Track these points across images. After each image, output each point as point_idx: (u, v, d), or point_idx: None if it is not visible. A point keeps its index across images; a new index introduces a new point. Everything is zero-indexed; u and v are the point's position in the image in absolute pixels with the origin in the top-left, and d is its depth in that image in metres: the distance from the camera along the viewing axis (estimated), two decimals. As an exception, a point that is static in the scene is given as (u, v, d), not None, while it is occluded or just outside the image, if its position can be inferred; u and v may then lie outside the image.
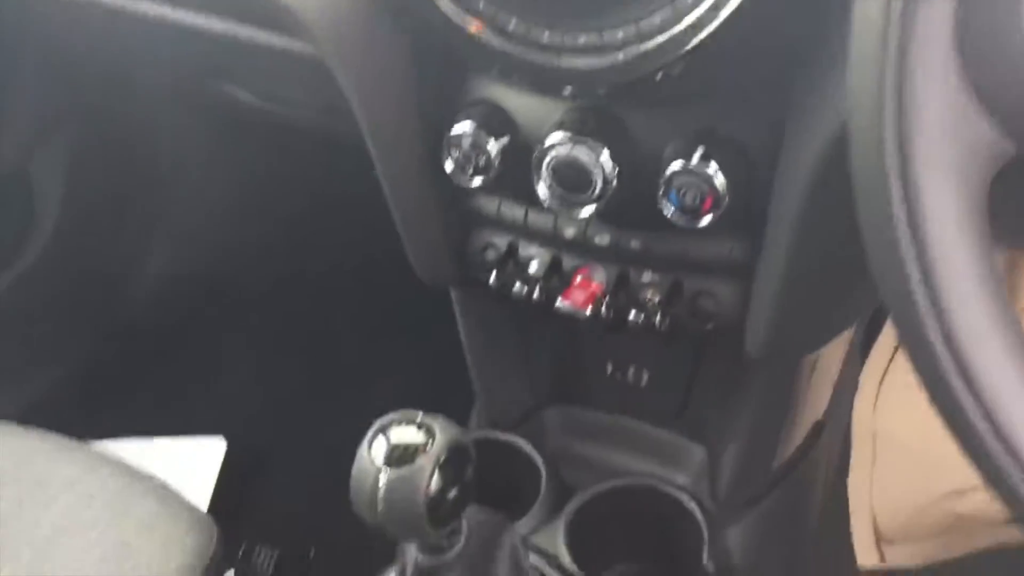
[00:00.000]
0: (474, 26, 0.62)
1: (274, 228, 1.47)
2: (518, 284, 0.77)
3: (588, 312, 0.74)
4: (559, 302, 0.74)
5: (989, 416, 0.38)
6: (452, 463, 0.56)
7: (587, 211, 0.67)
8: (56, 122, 1.28)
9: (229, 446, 1.33)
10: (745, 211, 0.65)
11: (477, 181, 0.70)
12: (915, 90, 0.38)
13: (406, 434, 0.56)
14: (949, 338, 0.38)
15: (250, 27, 0.82)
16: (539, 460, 0.96)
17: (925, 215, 0.38)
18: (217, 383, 1.45)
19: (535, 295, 0.76)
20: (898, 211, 0.38)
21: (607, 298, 0.74)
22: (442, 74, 0.71)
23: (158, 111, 1.34)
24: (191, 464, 1.31)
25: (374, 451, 0.56)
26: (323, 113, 0.89)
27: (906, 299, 0.39)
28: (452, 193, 0.76)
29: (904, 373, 1.22)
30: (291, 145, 1.24)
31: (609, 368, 0.99)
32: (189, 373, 1.47)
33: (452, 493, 0.56)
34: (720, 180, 0.62)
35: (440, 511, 0.56)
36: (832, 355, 0.99)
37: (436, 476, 0.55)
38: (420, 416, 0.57)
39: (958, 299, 0.38)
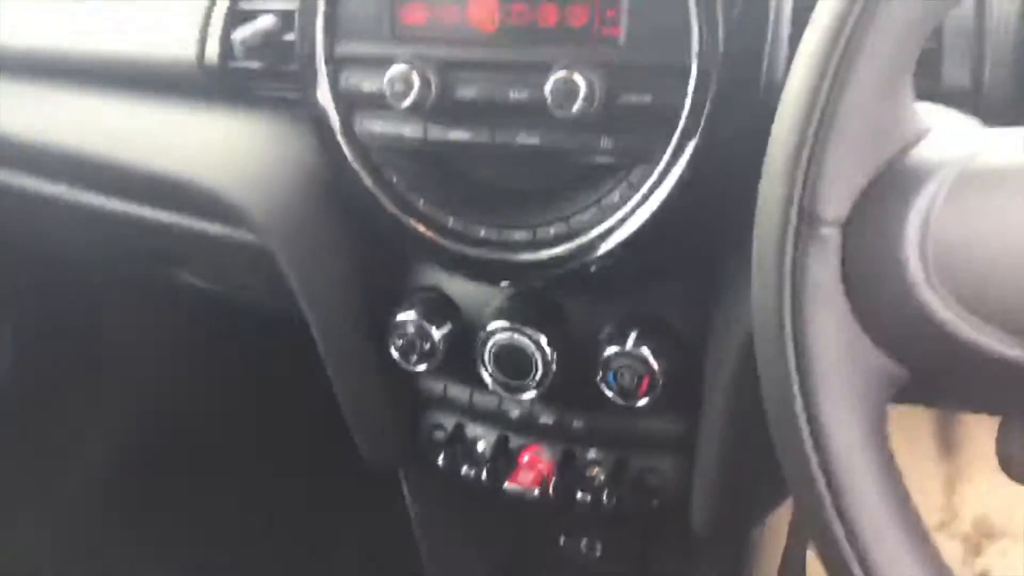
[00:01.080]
0: (417, 225, 0.65)
1: (220, 409, 1.45)
2: (466, 466, 0.77)
3: (536, 493, 0.74)
4: (507, 484, 0.75)
5: None
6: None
7: (530, 395, 0.69)
8: (1, 303, 1.28)
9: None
10: (681, 390, 0.67)
11: (422, 367, 0.72)
12: (809, 324, 0.41)
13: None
14: (864, 561, 0.41)
15: (194, 218, 0.84)
16: None
17: (828, 443, 0.41)
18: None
19: (483, 477, 0.76)
20: (805, 437, 0.41)
21: (554, 478, 0.75)
22: (385, 265, 0.74)
23: (104, 293, 1.34)
24: None
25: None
26: (268, 296, 0.91)
27: (819, 515, 0.42)
28: (398, 376, 0.77)
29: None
30: (237, 325, 1.25)
31: (562, 540, 0.98)
32: (126, 569, 1.41)
33: None
34: (655, 362, 0.64)
35: None
36: (779, 527, 0.99)
37: None
38: None
39: (871, 528, 0.41)
